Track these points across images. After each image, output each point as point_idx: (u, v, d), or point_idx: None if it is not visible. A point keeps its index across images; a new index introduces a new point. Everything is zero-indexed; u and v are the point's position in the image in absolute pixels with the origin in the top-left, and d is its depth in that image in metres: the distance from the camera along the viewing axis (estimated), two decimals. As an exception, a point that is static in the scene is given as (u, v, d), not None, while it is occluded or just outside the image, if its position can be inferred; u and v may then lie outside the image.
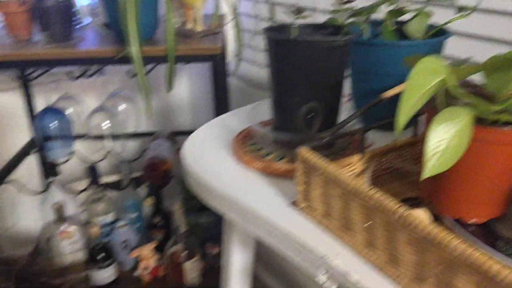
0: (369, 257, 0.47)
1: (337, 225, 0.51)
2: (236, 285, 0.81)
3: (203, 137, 0.77)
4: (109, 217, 1.39)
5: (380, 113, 0.62)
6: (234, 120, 0.81)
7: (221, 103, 1.03)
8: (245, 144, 0.70)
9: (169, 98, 1.58)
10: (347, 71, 0.69)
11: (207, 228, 1.44)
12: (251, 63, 1.42)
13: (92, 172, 1.33)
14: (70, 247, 1.33)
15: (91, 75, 1.25)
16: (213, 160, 0.69)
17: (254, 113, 0.79)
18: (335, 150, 0.66)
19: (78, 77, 1.23)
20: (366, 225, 0.47)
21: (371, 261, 0.47)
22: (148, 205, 1.12)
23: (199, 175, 0.65)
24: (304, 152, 0.53)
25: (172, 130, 1.40)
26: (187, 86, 1.62)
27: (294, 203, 0.57)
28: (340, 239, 0.50)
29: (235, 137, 0.72)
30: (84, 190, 1.42)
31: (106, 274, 1.29)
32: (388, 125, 0.55)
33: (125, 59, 0.91)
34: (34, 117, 1.38)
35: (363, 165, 0.57)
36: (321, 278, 0.49)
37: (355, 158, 0.56)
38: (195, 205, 1.41)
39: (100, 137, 1.33)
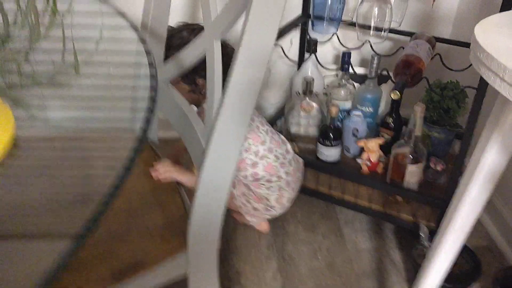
0: None
1: None
2: (477, 186, 0.79)
3: (498, 21, 0.73)
4: (347, 105, 1.47)
5: None
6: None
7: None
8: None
9: (436, 3, 1.51)
10: None
11: (437, 143, 1.41)
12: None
13: (345, 59, 1.40)
14: (306, 120, 1.47)
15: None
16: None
17: None
18: None
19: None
20: None
21: None
22: (394, 96, 1.14)
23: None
24: None
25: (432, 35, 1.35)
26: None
27: None
28: None
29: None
30: (332, 72, 1.52)
31: (332, 153, 1.40)
32: None
33: None
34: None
35: None
36: None
37: None
38: (431, 117, 1.39)
39: (362, 26, 1.37)
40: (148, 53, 0.75)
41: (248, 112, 0.68)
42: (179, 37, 1.12)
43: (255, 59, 0.64)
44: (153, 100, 0.65)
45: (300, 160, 1.31)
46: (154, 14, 0.93)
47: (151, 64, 0.74)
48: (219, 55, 0.79)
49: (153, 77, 0.70)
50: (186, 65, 0.91)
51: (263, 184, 1.20)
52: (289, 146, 1.26)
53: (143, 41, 0.77)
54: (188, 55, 0.88)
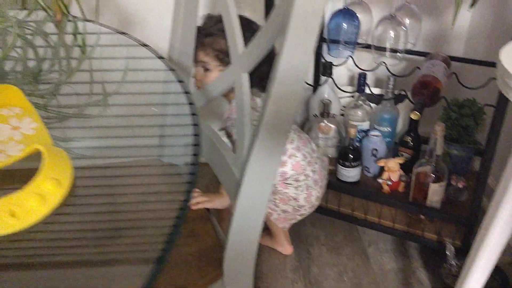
0: None
1: None
2: (507, 210, 0.80)
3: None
4: (365, 125, 1.48)
5: None
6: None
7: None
8: None
9: (448, 22, 1.53)
10: None
11: (456, 161, 1.42)
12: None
13: (360, 79, 1.42)
14: (324, 141, 1.48)
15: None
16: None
17: None
18: None
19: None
20: None
21: None
22: (414, 116, 1.16)
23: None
24: None
25: (446, 54, 1.37)
26: (470, 13, 1.53)
27: None
28: None
29: None
30: (349, 94, 1.54)
31: (352, 174, 1.41)
32: None
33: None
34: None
35: None
36: None
37: None
38: (450, 135, 1.39)
39: (377, 48, 1.39)
40: (181, 81, 0.77)
41: (287, 126, 0.68)
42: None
43: (294, 76, 0.65)
44: (197, 126, 0.66)
45: (325, 158, 1.32)
46: (180, 49, 0.95)
47: (187, 92, 0.76)
48: (248, 87, 0.81)
49: (192, 104, 0.71)
50: (212, 96, 0.93)
51: (290, 184, 1.20)
52: (313, 145, 1.27)
53: (173, 70, 0.79)
54: (216, 87, 0.90)
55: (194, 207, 0.92)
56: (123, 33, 0.96)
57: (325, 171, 1.28)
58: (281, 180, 1.19)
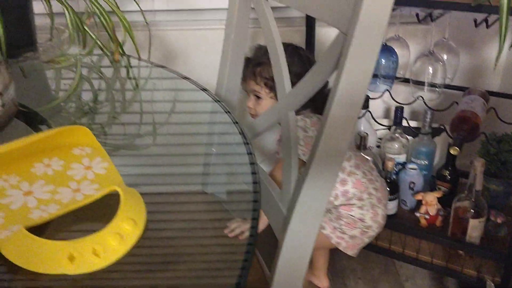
0: None
1: None
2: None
3: None
4: (401, 158, 1.49)
5: None
6: None
7: None
8: None
9: (485, 57, 1.54)
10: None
11: (495, 196, 1.41)
12: None
13: (397, 113, 1.44)
14: (360, 173, 1.49)
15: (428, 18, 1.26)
16: None
17: None
18: None
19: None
20: None
21: None
22: (454, 152, 1.17)
23: None
24: None
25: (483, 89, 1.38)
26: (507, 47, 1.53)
27: None
28: None
29: None
30: (385, 127, 1.55)
31: (389, 206, 1.41)
32: None
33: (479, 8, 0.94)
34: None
35: None
36: None
37: None
38: (489, 170, 1.39)
39: (415, 82, 1.41)
40: (229, 111, 0.80)
41: (340, 157, 0.68)
42: None
43: (351, 101, 0.65)
44: (251, 155, 0.68)
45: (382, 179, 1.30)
46: (227, 85, 0.99)
47: (236, 123, 0.78)
48: (294, 126, 0.83)
49: (243, 134, 0.74)
50: (258, 131, 0.96)
51: (354, 204, 1.17)
52: (371, 163, 1.25)
53: (220, 101, 0.82)
54: (262, 123, 0.93)
55: (241, 237, 0.93)
56: (162, 66, 1.01)
57: (385, 190, 1.26)
58: (344, 202, 1.18)
